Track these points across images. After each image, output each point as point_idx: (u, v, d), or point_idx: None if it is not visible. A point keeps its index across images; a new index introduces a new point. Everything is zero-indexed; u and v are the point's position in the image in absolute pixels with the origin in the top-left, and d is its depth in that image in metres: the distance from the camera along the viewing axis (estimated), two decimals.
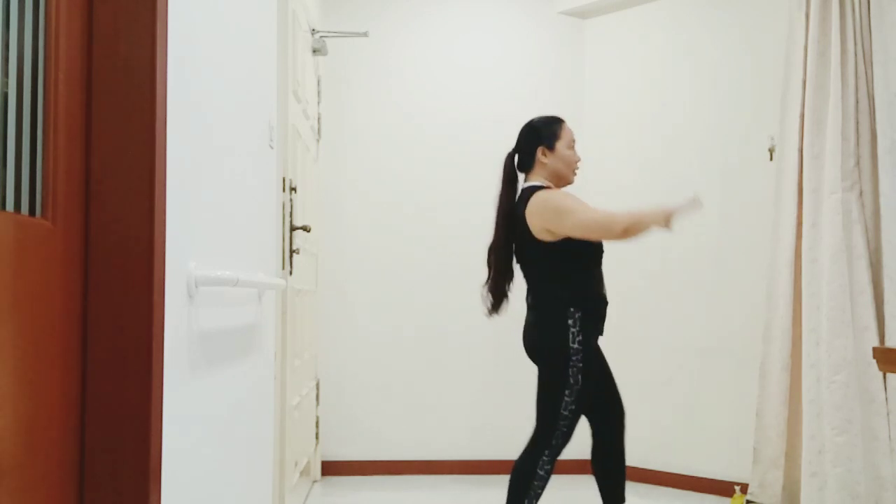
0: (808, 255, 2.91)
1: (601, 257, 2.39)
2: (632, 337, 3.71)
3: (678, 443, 3.57)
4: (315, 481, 3.63)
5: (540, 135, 2.42)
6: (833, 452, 2.73)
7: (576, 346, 2.24)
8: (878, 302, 2.79)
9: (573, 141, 2.45)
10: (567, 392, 2.24)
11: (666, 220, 2.16)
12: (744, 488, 3.19)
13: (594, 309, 2.31)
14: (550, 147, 2.41)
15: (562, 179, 2.44)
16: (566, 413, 2.25)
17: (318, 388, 3.67)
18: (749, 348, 3.30)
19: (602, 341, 2.43)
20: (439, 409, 3.84)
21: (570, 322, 2.25)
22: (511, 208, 2.40)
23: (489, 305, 2.43)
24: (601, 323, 2.36)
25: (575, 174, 2.47)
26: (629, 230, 2.18)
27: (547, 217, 2.27)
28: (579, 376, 2.24)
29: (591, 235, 2.24)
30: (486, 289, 2.43)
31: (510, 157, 2.47)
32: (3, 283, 0.88)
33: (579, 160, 2.47)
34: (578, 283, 2.30)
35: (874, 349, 1.69)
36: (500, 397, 3.83)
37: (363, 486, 3.56)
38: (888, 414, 2.70)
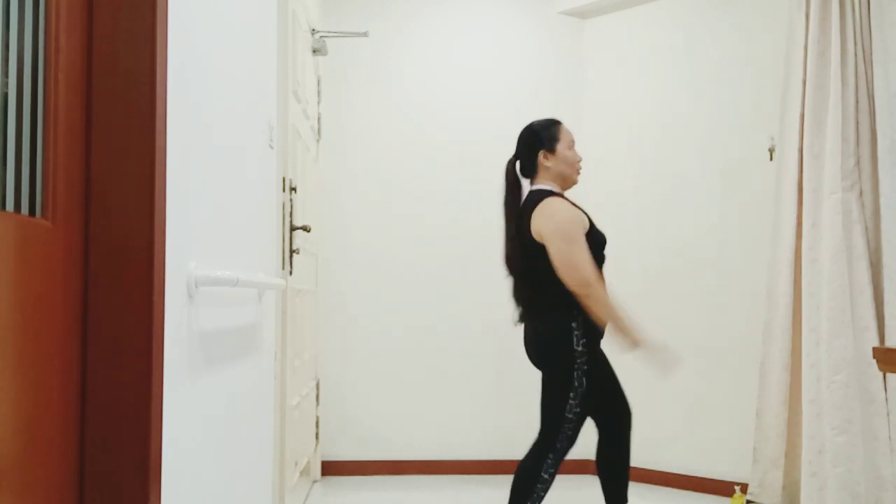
0: (808, 255, 2.91)
1: (602, 264, 2.39)
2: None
3: (678, 443, 3.57)
4: (315, 481, 3.63)
5: (539, 138, 2.42)
6: (833, 452, 2.73)
7: (580, 348, 2.25)
8: (878, 302, 2.79)
9: (573, 141, 2.46)
10: (572, 395, 2.24)
11: (631, 344, 2.23)
12: (744, 488, 3.19)
13: None
14: (551, 150, 2.41)
15: (566, 181, 2.44)
16: (570, 416, 2.25)
17: (318, 388, 3.67)
18: (749, 348, 3.30)
19: (602, 341, 2.43)
20: (439, 408, 3.84)
21: (573, 325, 2.26)
22: (519, 214, 2.40)
23: (518, 315, 2.43)
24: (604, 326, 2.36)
25: (578, 174, 2.47)
26: (592, 299, 2.21)
27: (546, 227, 2.28)
28: (584, 378, 2.24)
29: (560, 269, 2.25)
30: (513, 298, 2.44)
31: (511, 163, 2.46)
32: (3, 283, 0.88)
33: (580, 160, 2.47)
34: None
35: (874, 349, 1.69)
36: (500, 397, 3.83)
37: (363, 486, 3.56)
38: (888, 414, 2.70)
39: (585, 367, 2.25)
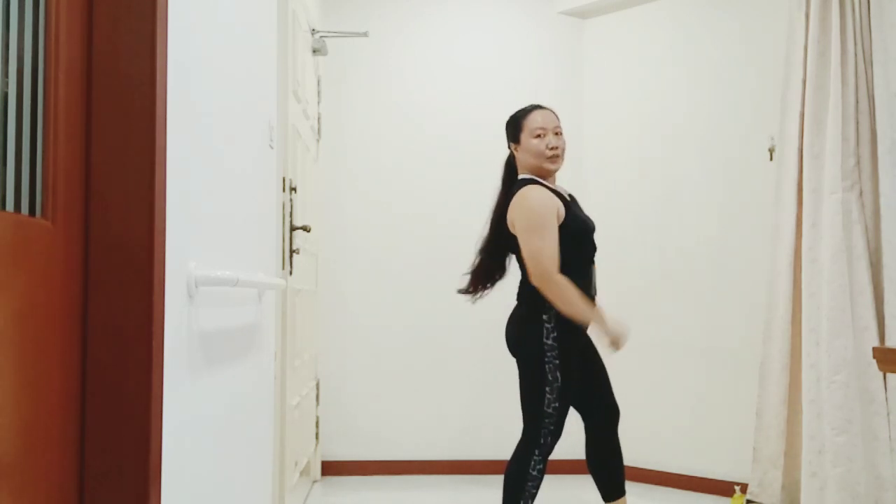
0: (808, 255, 2.91)
1: (592, 255, 2.37)
2: (632, 337, 3.70)
3: (678, 443, 3.57)
4: (315, 481, 3.63)
5: (508, 131, 2.45)
6: (833, 452, 2.73)
7: (549, 342, 2.23)
8: (878, 302, 2.79)
9: (539, 129, 2.33)
10: (548, 390, 2.23)
11: (605, 334, 2.26)
12: (744, 488, 3.19)
13: None
14: (516, 141, 2.40)
15: (539, 171, 2.35)
16: (550, 411, 2.24)
17: (318, 388, 3.67)
18: (749, 348, 3.30)
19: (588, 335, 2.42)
20: (439, 409, 3.84)
21: (545, 318, 2.24)
22: (505, 207, 2.40)
23: (463, 289, 2.49)
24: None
25: (549, 161, 2.33)
26: (550, 293, 2.20)
27: (516, 217, 2.28)
28: (557, 373, 2.23)
29: (525, 261, 2.26)
30: (468, 275, 2.49)
31: (509, 156, 2.50)
32: (3, 283, 0.88)
33: (550, 146, 2.32)
34: None
35: (874, 349, 1.69)
36: (499, 397, 3.82)
37: (363, 486, 3.56)
38: (888, 414, 2.70)
39: (557, 362, 2.23)
